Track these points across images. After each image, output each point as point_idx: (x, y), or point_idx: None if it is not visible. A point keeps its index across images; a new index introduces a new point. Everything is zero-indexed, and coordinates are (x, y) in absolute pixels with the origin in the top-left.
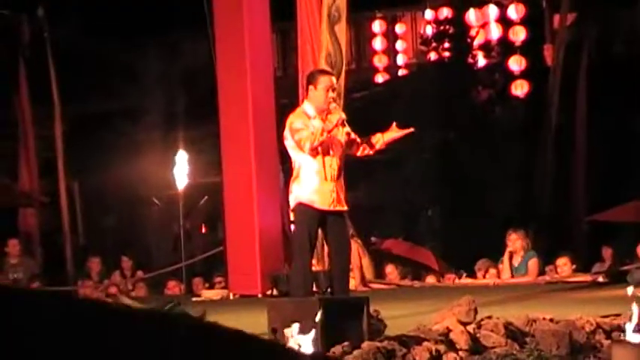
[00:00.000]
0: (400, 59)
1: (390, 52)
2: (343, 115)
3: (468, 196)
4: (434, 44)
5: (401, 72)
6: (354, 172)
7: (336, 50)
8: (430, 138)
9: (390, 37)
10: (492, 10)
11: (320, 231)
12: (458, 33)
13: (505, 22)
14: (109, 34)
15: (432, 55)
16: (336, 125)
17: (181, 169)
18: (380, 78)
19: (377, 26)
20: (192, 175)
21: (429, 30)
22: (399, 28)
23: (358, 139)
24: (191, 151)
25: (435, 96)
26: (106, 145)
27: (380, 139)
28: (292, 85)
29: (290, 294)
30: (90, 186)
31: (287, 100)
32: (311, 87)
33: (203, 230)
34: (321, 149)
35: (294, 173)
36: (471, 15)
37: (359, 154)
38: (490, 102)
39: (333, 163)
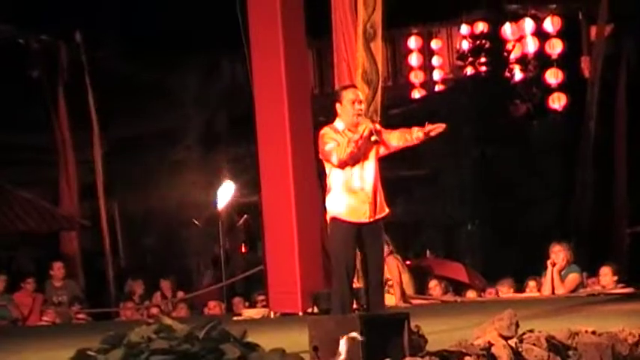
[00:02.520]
0: (437, 75)
1: (427, 67)
2: (371, 125)
3: (507, 211)
4: (470, 59)
5: (438, 87)
6: (392, 188)
7: (372, 67)
8: (468, 152)
9: (426, 52)
10: (528, 24)
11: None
12: (494, 47)
13: (541, 35)
14: (146, 57)
15: (469, 70)
16: (363, 134)
17: (221, 190)
18: (417, 94)
19: (413, 42)
20: (231, 195)
21: (465, 45)
22: (435, 44)
23: (393, 132)
24: (230, 171)
25: (473, 111)
26: (146, 167)
27: (416, 131)
28: (329, 103)
29: (331, 312)
30: (130, 208)
31: (324, 117)
32: (337, 104)
33: (243, 250)
34: (350, 161)
35: (328, 188)
36: (507, 29)
37: (401, 143)
38: (528, 115)
39: (363, 174)
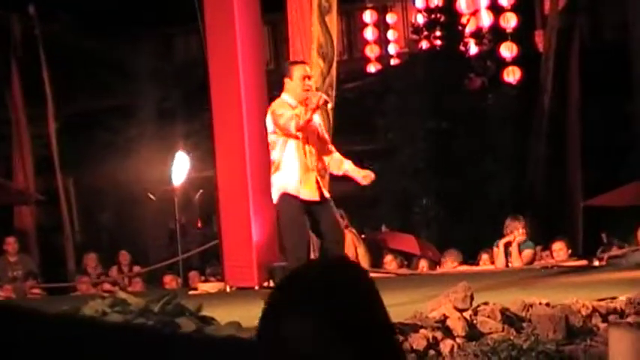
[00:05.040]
0: (392, 49)
1: (382, 41)
2: (324, 96)
3: (462, 184)
4: (425, 33)
5: (393, 61)
6: None
7: (327, 41)
8: (424, 127)
9: (382, 26)
10: None
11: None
12: (449, 21)
13: (496, 9)
14: (100, 31)
15: (424, 44)
16: (318, 104)
17: (176, 165)
18: (372, 68)
19: (368, 16)
20: (186, 170)
21: (420, 19)
22: (390, 18)
23: (330, 147)
24: (185, 146)
25: (428, 85)
26: (101, 142)
27: (344, 167)
28: (283, 78)
29: None
30: (85, 183)
31: (278, 92)
32: (287, 79)
33: (199, 224)
34: (302, 135)
35: (275, 165)
36: (462, 3)
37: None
38: (482, 89)
39: (313, 151)
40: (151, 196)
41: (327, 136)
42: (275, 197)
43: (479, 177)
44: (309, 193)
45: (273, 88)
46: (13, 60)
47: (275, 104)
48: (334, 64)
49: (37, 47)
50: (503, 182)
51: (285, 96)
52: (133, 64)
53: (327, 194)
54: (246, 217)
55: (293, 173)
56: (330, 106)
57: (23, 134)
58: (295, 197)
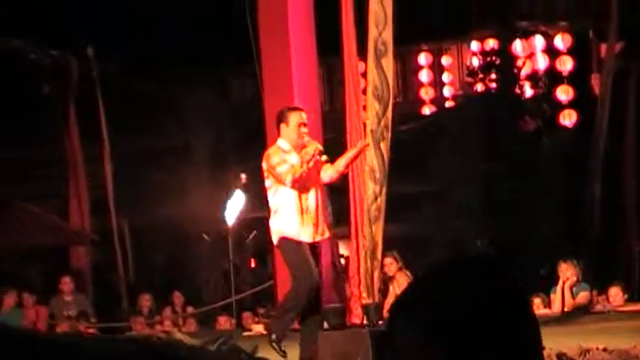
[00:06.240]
0: (447, 91)
1: (437, 84)
2: (320, 147)
3: (516, 226)
4: (480, 75)
5: (448, 104)
6: (401, 204)
7: (383, 83)
8: (478, 169)
9: (437, 69)
10: (539, 41)
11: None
12: (504, 64)
13: (552, 52)
14: (156, 72)
15: (479, 87)
16: (314, 156)
17: (230, 204)
18: (427, 110)
19: (423, 59)
20: (240, 210)
21: (476, 61)
22: (445, 60)
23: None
24: (239, 187)
25: (483, 127)
26: (156, 182)
27: (329, 172)
28: (339, 119)
29: (340, 327)
30: (140, 223)
31: (334, 134)
32: (283, 125)
33: (252, 265)
34: (299, 184)
35: (273, 210)
36: (518, 46)
37: (326, 180)
38: (538, 132)
39: (310, 195)
40: (206, 237)
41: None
42: (275, 240)
43: (533, 219)
44: (308, 235)
45: (328, 129)
46: (71, 100)
47: (270, 150)
48: (390, 106)
49: (94, 88)
50: (557, 224)
51: (280, 141)
52: (188, 104)
53: (327, 233)
54: None
55: (291, 218)
56: (324, 158)
57: (79, 174)
58: (294, 240)
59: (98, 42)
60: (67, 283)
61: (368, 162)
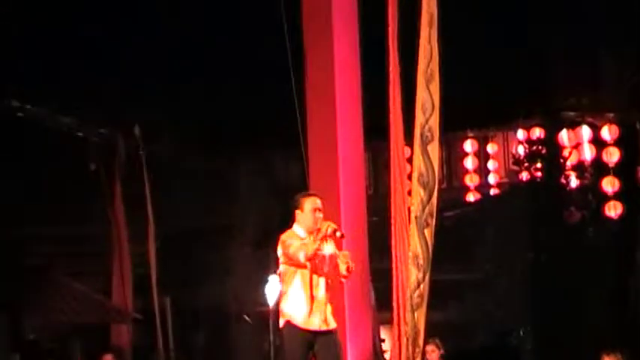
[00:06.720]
0: (492, 178)
1: (482, 171)
2: (333, 225)
3: (560, 317)
4: (526, 164)
5: (492, 191)
6: (445, 292)
7: (428, 170)
8: (522, 258)
9: (482, 156)
10: (585, 131)
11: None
12: (550, 153)
13: (598, 143)
14: (203, 151)
15: (524, 175)
16: (326, 233)
17: (272, 286)
18: (471, 197)
19: (469, 146)
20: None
21: (521, 150)
22: (490, 148)
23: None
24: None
25: (527, 216)
26: (199, 261)
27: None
28: (383, 204)
29: None
30: (182, 302)
31: (378, 217)
32: (298, 211)
33: None
34: (310, 266)
35: (284, 294)
36: (564, 135)
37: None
38: (583, 223)
39: (320, 283)
40: (247, 318)
41: (344, 267)
42: (281, 323)
43: (577, 310)
44: (315, 323)
45: (373, 213)
46: (117, 178)
47: (285, 235)
48: (435, 193)
49: (141, 166)
50: (602, 316)
51: (295, 227)
52: (233, 183)
53: (333, 324)
54: (342, 337)
55: (301, 305)
56: (339, 234)
57: (124, 252)
58: (298, 327)
59: (146, 121)
60: None
61: (412, 248)
